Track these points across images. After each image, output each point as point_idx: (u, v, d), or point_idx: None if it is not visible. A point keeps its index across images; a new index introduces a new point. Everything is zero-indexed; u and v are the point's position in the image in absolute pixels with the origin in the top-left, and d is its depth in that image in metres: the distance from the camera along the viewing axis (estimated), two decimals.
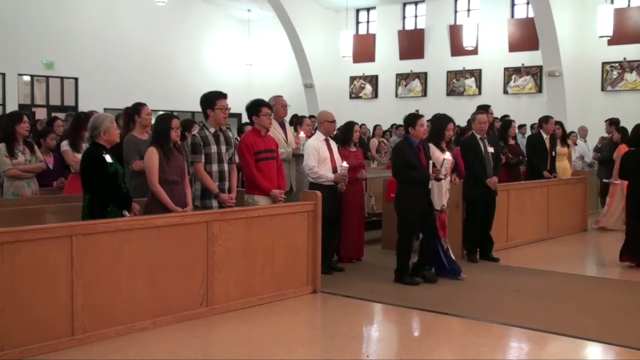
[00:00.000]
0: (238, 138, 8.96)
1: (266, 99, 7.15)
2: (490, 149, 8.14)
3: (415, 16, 21.07)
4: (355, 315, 6.02)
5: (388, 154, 14.31)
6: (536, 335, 5.37)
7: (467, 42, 18.55)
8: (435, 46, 20.23)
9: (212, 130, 6.14)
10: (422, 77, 20.69)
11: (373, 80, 21.76)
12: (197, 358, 4.88)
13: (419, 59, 20.61)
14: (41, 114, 17.97)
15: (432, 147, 7.17)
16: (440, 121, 7.39)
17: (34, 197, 6.71)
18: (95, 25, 19.63)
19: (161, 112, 7.05)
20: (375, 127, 14.80)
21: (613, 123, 12.31)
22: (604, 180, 11.32)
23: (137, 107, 6.69)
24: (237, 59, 23.49)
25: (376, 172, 10.98)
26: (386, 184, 8.98)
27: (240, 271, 5.90)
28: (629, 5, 17.12)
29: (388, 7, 21.29)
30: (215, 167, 6.10)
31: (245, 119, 9.99)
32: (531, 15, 17.49)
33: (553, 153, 10.14)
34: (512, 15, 19.01)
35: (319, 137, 7.55)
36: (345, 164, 7.40)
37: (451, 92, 20.00)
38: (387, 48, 21.23)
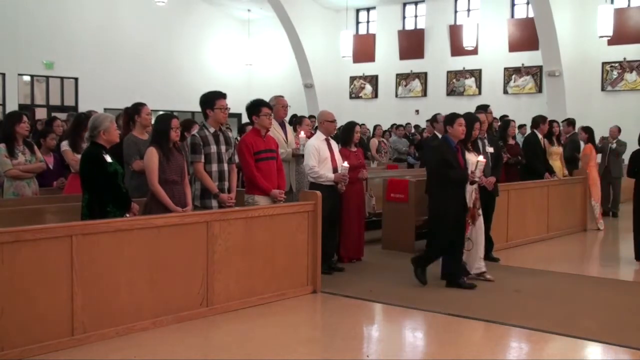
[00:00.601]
0: (238, 138, 8.97)
1: (266, 99, 7.15)
2: (490, 149, 8.12)
3: (415, 16, 21.09)
4: (355, 315, 6.02)
5: (388, 154, 14.32)
6: (536, 335, 5.36)
7: (467, 42, 18.57)
8: (435, 46, 20.24)
9: (212, 130, 6.15)
10: (422, 77, 20.71)
11: (373, 80, 21.77)
12: (197, 358, 4.88)
13: (419, 59, 20.64)
14: (41, 114, 17.99)
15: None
16: (469, 120, 7.11)
17: (34, 197, 6.71)
18: (96, 25, 19.64)
19: (161, 112, 7.05)
20: (375, 127, 14.81)
21: (571, 123, 12.59)
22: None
23: (137, 107, 6.69)
24: (237, 59, 23.50)
25: (376, 172, 10.97)
26: (386, 184, 8.99)
27: (240, 271, 5.90)
28: (629, 5, 17.14)
29: (388, 7, 21.31)
30: (215, 167, 6.11)
31: (245, 119, 9.99)
32: (531, 15, 17.51)
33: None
34: (512, 15, 19.02)
35: (319, 137, 7.55)
36: (345, 164, 7.39)
37: (451, 92, 20.02)
38: (387, 48, 21.25)
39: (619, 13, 16.58)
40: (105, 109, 15.96)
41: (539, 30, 16.74)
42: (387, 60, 21.24)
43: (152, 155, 5.68)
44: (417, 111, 20.16)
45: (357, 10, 22.19)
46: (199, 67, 22.19)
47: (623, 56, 17.00)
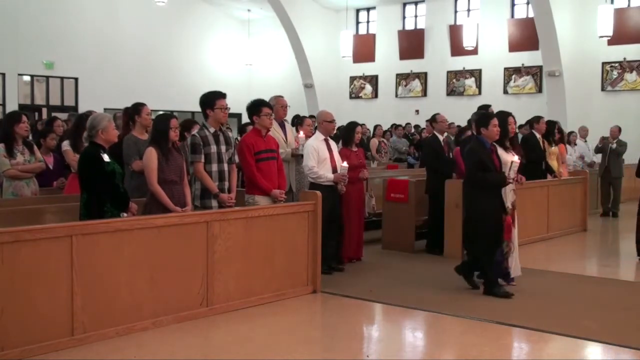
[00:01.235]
0: (238, 138, 8.96)
1: (266, 99, 7.14)
2: None
3: (415, 16, 21.08)
4: (355, 315, 6.02)
5: (388, 154, 14.32)
6: (536, 335, 5.36)
7: (467, 42, 18.56)
8: (435, 46, 20.24)
9: (212, 130, 6.14)
10: (422, 77, 20.71)
11: (373, 80, 21.77)
12: (197, 358, 4.88)
13: (419, 59, 20.63)
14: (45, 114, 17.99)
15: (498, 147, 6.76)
16: (502, 118, 6.88)
17: (34, 197, 6.71)
18: (96, 25, 19.64)
19: (161, 112, 7.05)
20: (375, 127, 14.81)
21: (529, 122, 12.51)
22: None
23: (137, 107, 6.68)
24: (237, 59, 23.50)
25: (376, 172, 10.97)
26: (386, 184, 8.99)
27: (240, 271, 5.90)
28: (629, 5, 17.13)
29: (388, 7, 21.31)
30: (215, 167, 6.10)
31: (245, 119, 9.99)
32: (531, 15, 17.50)
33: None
34: (512, 15, 19.02)
35: (318, 137, 7.55)
36: (345, 164, 7.39)
37: (451, 92, 20.02)
38: (387, 48, 21.24)
39: (619, 13, 16.58)
40: (105, 109, 15.96)
41: (539, 30, 16.74)
42: (387, 60, 21.24)
43: (152, 156, 5.68)
44: (417, 111, 20.15)
45: (357, 10, 22.18)
46: (199, 67, 22.19)
47: (623, 56, 16.99)
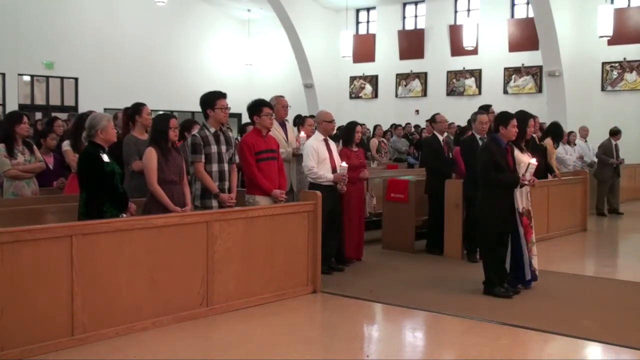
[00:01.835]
0: (239, 138, 8.96)
1: (266, 99, 7.14)
2: None
3: (415, 16, 21.08)
4: (355, 315, 6.02)
5: (388, 154, 14.32)
6: (536, 335, 5.36)
7: (467, 42, 18.56)
8: (435, 46, 20.24)
9: (213, 130, 6.14)
10: (422, 77, 20.71)
11: (373, 80, 21.77)
12: (197, 358, 4.88)
13: (419, 59, 20.63)
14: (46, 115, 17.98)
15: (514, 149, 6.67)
16: (522, 119, 6.79)
17: (34, 197, 6.71)
18: (95, 25, 19.64)
19: (161, 112, 7.05)
20: (375, 127, 14.81)
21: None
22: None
23: (137, 107, 6.68)
24: (237, 59, 23.50)
25: (376, 172, 10.98)
26: (386, 184, 8.99)
27: (240, 271, 5.90)
28: (629, 5, 17.14)
29: (388, 7, 21.31)
30: (215, 167, 6.10)
31: (245, 118, 9.99)
32: (531, 15, 17.51)
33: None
34: (512, 15, 19.02)
35: (318, 137, 7.54)
36: (344, 164, 7.40)
37: (451, 92, 20.02)
38: (387, 48, 21.24)
39: (619, 13, 16.58)
40: (105, 109, 15.96)
41: (539, 30, 16.74)
42: (387, 60, 21.24)
43: (151, 156, 5.68)
44: (417, 111, 20.16)
45: (357, 10, 22.18)
46: (199, 67, 22.19)
47: (623, 56, 17.00)
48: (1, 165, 6.66)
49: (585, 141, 13.81)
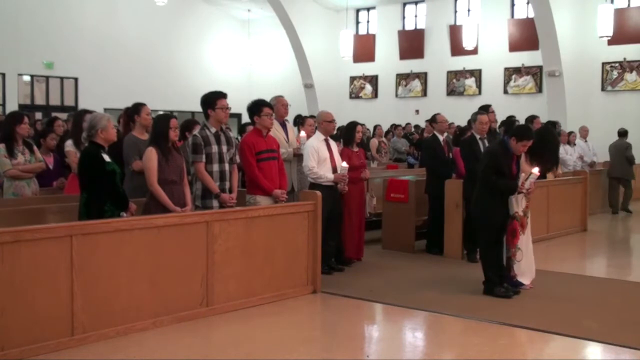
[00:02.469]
0: (239, 138, 8.96)
1: (266, 99, 7.14)
2: None
3: (415, 16, 21.08)
4: (355, 315, 6.02)
5: (388, 154, 14.32)
6: (536, 335, 5.36)
7: (467, 42, 18.55)
8: (435, 46, 20.24)
9: (213, 130, 6.15)
10: (422, 77, 20.71)
11: (373, 80, 21.77)
12: (197, 358, 4.88)
13: (419, 59, 20.63)
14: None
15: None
16: (544, 136, 6.86)
17: (34, 197, 6.71)
18: (95, 25, 19.63)
19: (161, 112, 7.05)
20: (375, 127, 14.81)
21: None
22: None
23: (137, 107, 6.68)
24: (237, 59, 23.50)
25: (376, 172, 10.97)
26: (386, 184, 8.99)
27: (240, 271, 5.90)
28: (629, 5, 17.13)
29: (388, 7, 21.30)
30: (216, 167, 6.11)
31: (245, 118, 9.99)
32: (531, 15, 17.50)
33: None
34: (512, 15, 19.02)
35: (318, 137, 7.54)
36: (345, 164, 7.40)
37: (451, 92, 20.02)
38: (387, 48, 21.24)
39: (619, 13, 16.58)
40: (105, 109, 15.97)
41: (539, 30, 16.73)
42: (387, 60, 21.23)
43: (151, 156, 5.68)
44: (417, 111, 20.15)
45: (357, 10, 22.18)
46: (199, 67, 22.19)
47: (623, 56, 16.99)
48: (1, 165, 6.67)
49: (586, 141, 13.81)
